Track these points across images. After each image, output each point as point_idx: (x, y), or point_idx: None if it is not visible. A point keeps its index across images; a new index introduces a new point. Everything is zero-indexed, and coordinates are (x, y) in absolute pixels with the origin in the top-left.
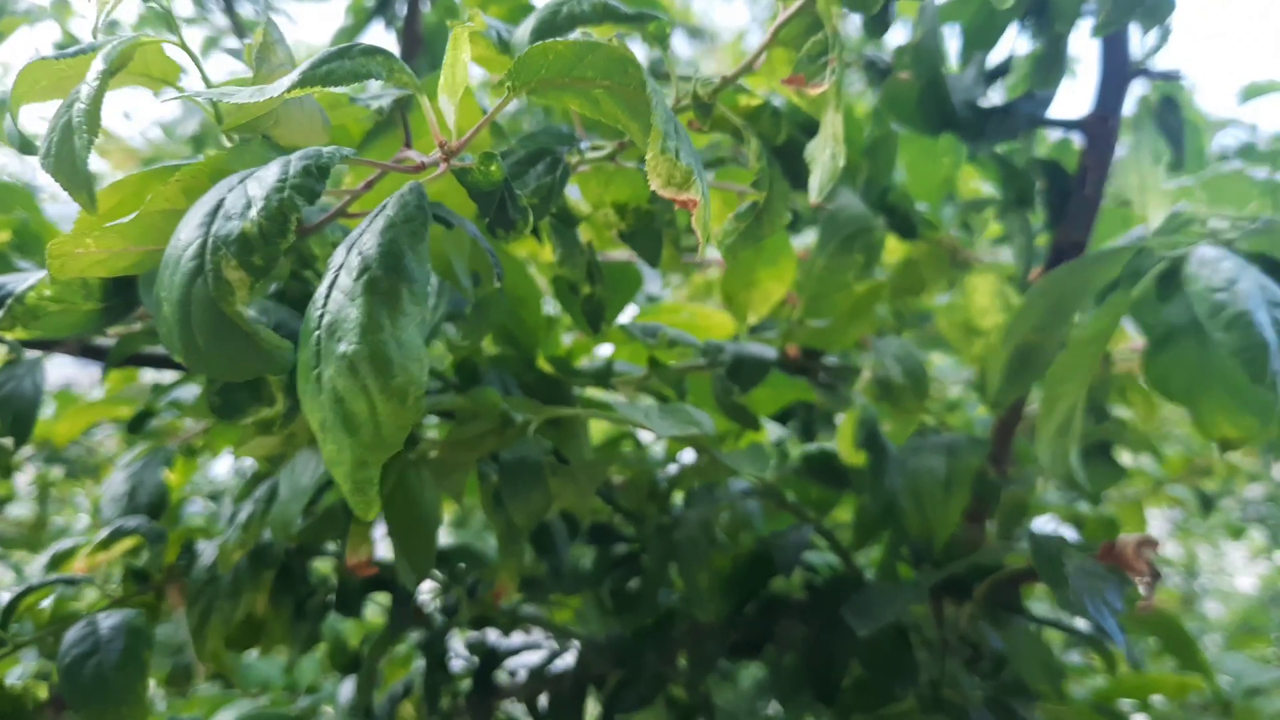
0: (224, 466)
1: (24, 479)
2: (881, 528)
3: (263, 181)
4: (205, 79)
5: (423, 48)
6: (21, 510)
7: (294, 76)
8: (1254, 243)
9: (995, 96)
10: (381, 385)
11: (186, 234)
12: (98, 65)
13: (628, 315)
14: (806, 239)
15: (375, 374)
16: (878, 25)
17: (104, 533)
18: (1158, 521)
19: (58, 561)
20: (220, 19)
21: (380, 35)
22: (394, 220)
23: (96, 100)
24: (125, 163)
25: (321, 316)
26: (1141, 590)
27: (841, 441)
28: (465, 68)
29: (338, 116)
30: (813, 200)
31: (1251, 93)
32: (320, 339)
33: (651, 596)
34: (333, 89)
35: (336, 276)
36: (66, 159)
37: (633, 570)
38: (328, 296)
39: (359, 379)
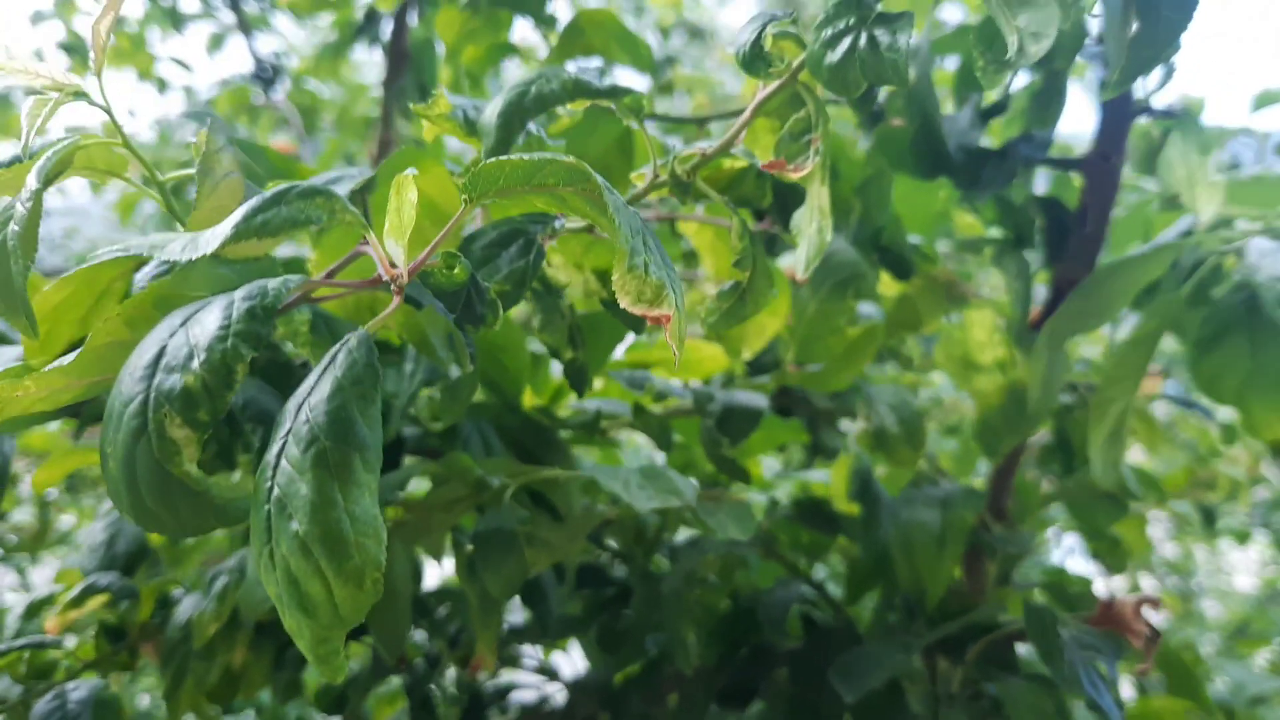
0: None
1: (25, 486)
2: (874, 581)
3: (205, 327)
4: (150, 172)
5: (409, 63)
6: (23, 516)
7: (225, 231)
8: None
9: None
10: (336, 568)
11: (128, 386)
12: (31, 182)
13: (621, 349)
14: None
15: (329, 556)
16: (864, 103)
17: (76, 590)
18: (1157, 521)
19: (34, 610)
20: (227, 15)
21: (364, 51)
22: (342, 383)
23: (31, 222)
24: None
25: (270, 490)
26: (1142, 651)
27: (835, 488)
28: (412, 210)
29: None
30: (800, 277)
31: (1264, 101)
32: (271, 514)
33: (639, 641)
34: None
35: (285, 443)
36: (4, 285)
37: (622, 610)
38: (276, 466)
39: (313, 560)
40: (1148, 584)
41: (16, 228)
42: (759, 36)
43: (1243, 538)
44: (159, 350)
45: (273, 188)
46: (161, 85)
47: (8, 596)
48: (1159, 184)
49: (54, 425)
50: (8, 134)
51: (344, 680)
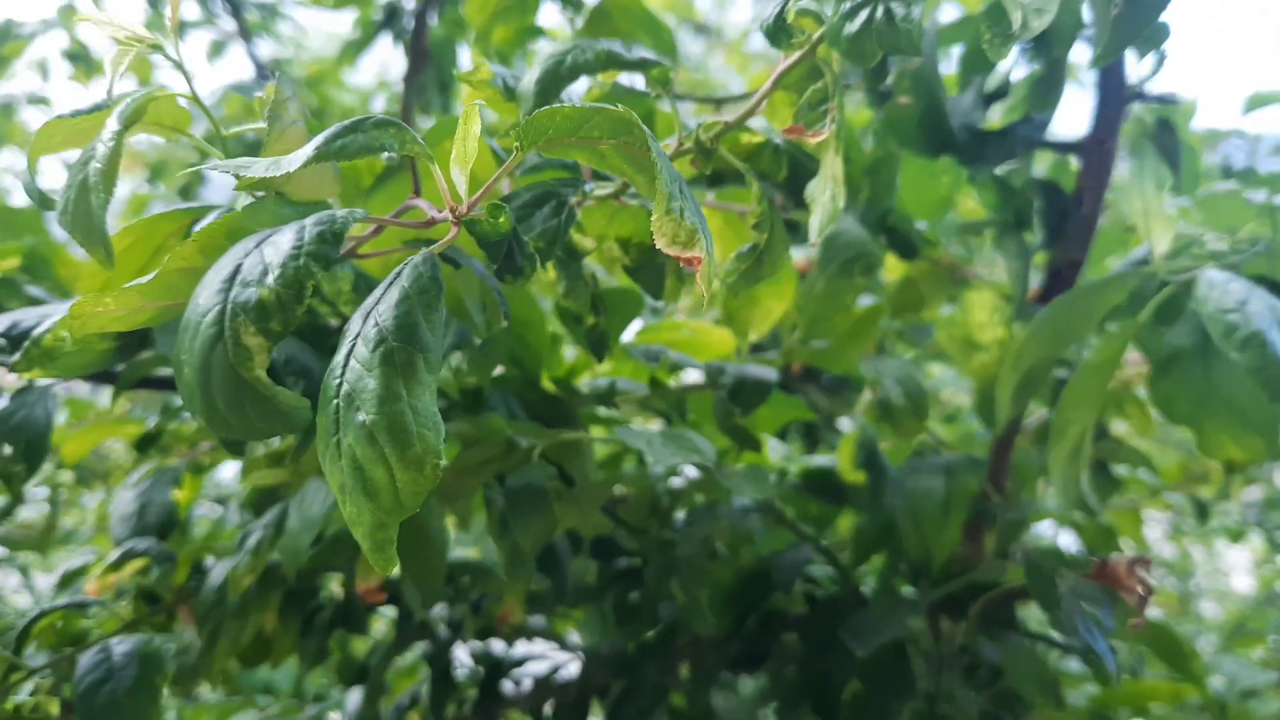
0: (231, 470)
1: (33, 482)
2: (880, 547)
3: (278, 247)
4: (216, 127)
5: (429, 61)
6: (31, 513)
7: (309, 151)
8: (1255, 265)
9: (994, 116)
10: (399, 454)
11: (205, 299)
12: (112, 124)
13: (631, 331)
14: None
15: (393, 443)
16: (877, 75)
17: (114, 554)
18: (1155, 523)
19: (67, 581)
20: (228, 22)
21: (388, 48)
22: (409, 292)
23: (113, 159)
24: (132, 166)
25: (340, 385)
26: (1135, 608)
27: (841, 459)
28: (475, 141)
29: (349, 163)
30: (812, 239)
31: (1255, 103)
32: (339, 407)
33: (653, 610)
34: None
35: (354, 346)
36: (83, 217)
37: (635, 583)
38: (345, 365)
39: (378, 448)
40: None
41: (99, 165)
42: (782, 10)
43: (1237, 535)
44: (235, 267)
45: (350, 119)
46: (178, 29)
47: (12, 598)
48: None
49: (61, 419)
50: (9, 142)
51: (368, 652)
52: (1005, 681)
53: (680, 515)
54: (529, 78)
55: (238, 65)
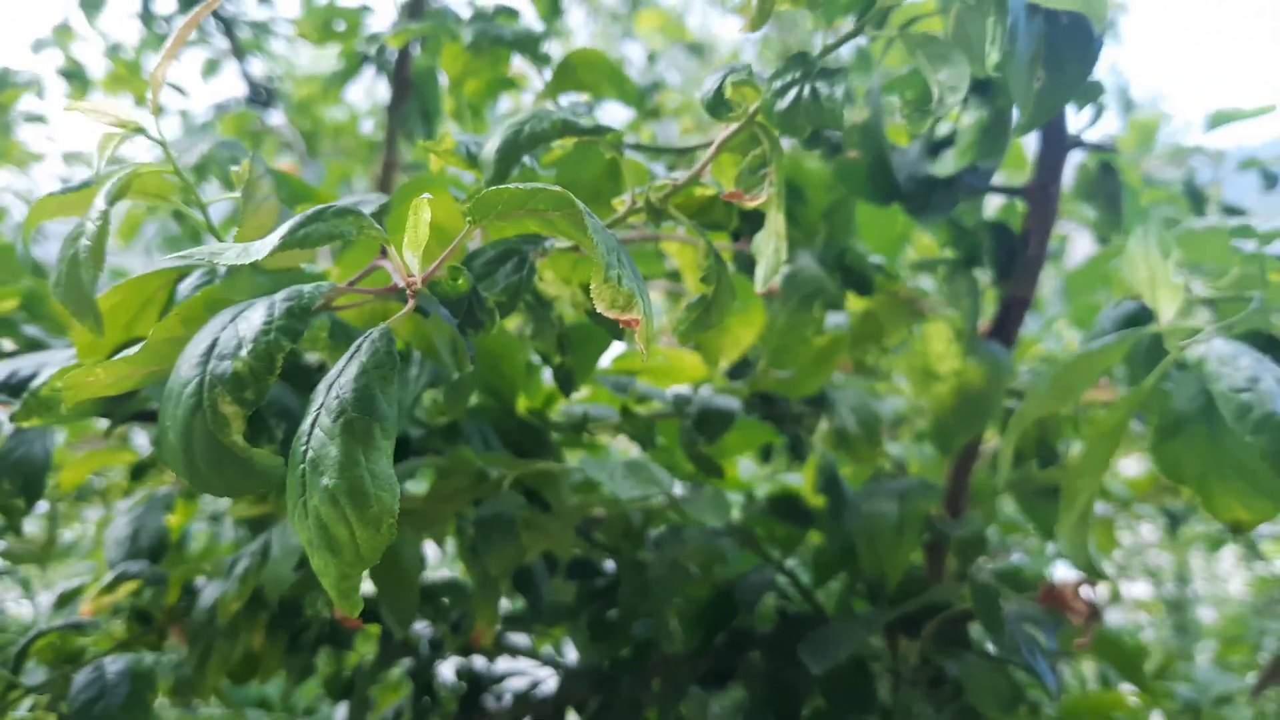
0: None
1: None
2: (839, 568)
3: (251, 323)
4: (197, 199)
5: (412, 90)
6: (31, 527)
7: (274, 241)
8: (1250, 321)
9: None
10: (359, 515)
11: (186, 371)
12: (99, 204)
13: (610, 357)
14: None
15: (353, 505)
16: (812, 141)
17: (108, 577)
18: (1147, 529)
19: (64, 601)
20: (221, 41)
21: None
22: (366, 366)
23: (100, 236)
24: None
25: (305, 451)
26: (1081, 628)
27: (806, 484)
28: (426, 227)
29: None
30: (758, 290)
31: (1218, 120)
32: (305, 472)
33: (626, 629)
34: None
35: (318, 415)
36: (74, 290)
37: (610, 602)
38: (310, 433)
39: (340, 509)
40: (1138, 590)
41: (87, 242)
42: (721, 85)
43: (1216, 544)
44: (212, 341)
45: (307, 208)
46: (158, 110)
47: (12, 609)
48: (1094, 212)
49: (60, 439)
50: (6, 160)
51: (352, 668)
52: (965, 698)
53: (654, 532)
54: (489, 146)
55: (232, 83)
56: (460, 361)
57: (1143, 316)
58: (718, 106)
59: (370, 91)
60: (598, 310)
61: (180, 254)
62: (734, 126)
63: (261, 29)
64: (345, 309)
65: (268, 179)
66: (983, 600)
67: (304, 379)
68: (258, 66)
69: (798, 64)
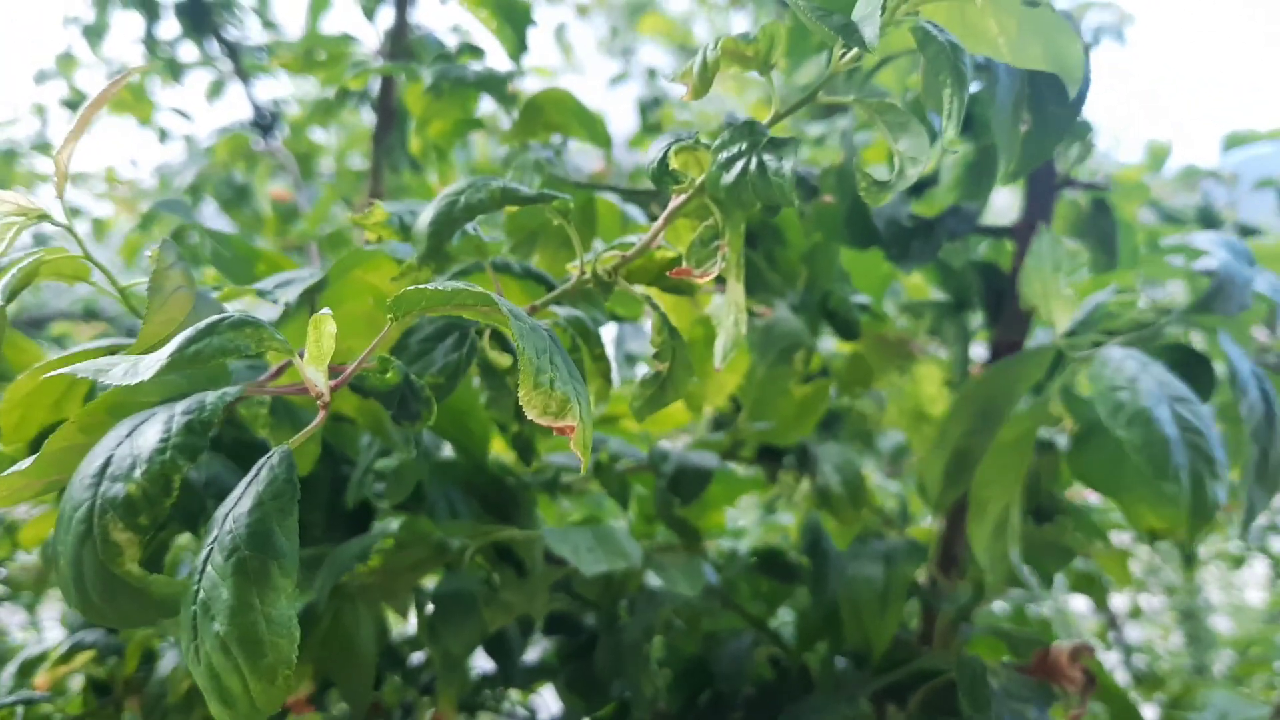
0: None
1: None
2: (824, 633)
3: (147, 439)
4: (113, 281)
5: (396, 120)
6: (29, 557)
7: (161, 359)
8: (1165, 336)
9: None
10: (252, 665)
11: (77, 493)
12: None
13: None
14: None
15: (245, 654)
16: (768, 212)
17: (64, 647)
18: (1163, 545)
19: (26, 670)
20: (225, 64)
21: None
22: (262, 497)
23: None
24: (129, 206)
25: (197, 592)
26: (1077, 698)
27: (794, 538)
28: (331, 340)
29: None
30: (717, 366)
31: (1233, 142)
32: (196, 614)
33: (605, 688)
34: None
35: (210, 551)
36: None
37: (591, 656)
38: (203, 571)
39: (231, 658)
40: (1152, 603)
41: None
42: (665, 155)
43: (1237, 562)
44: (106, 459)
45: (206, 320)
46: (162, 134)
47: (18, 635)
48: (1087, 249)
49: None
50: (11, 187)
51: None
52: None
53: (636, 586)
54: (423, 219)
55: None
56: (404, 445)
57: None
58: (662, 177)
59: (368, 119)
60: (529, 418)
61: (71, 366)
62: (681, 199)
63: (265, 52)
64: (284, 392)
65: (179, 267)
66: (969, 678)
67: (249, 455)
68: (262, 89)
69: (745, 133)
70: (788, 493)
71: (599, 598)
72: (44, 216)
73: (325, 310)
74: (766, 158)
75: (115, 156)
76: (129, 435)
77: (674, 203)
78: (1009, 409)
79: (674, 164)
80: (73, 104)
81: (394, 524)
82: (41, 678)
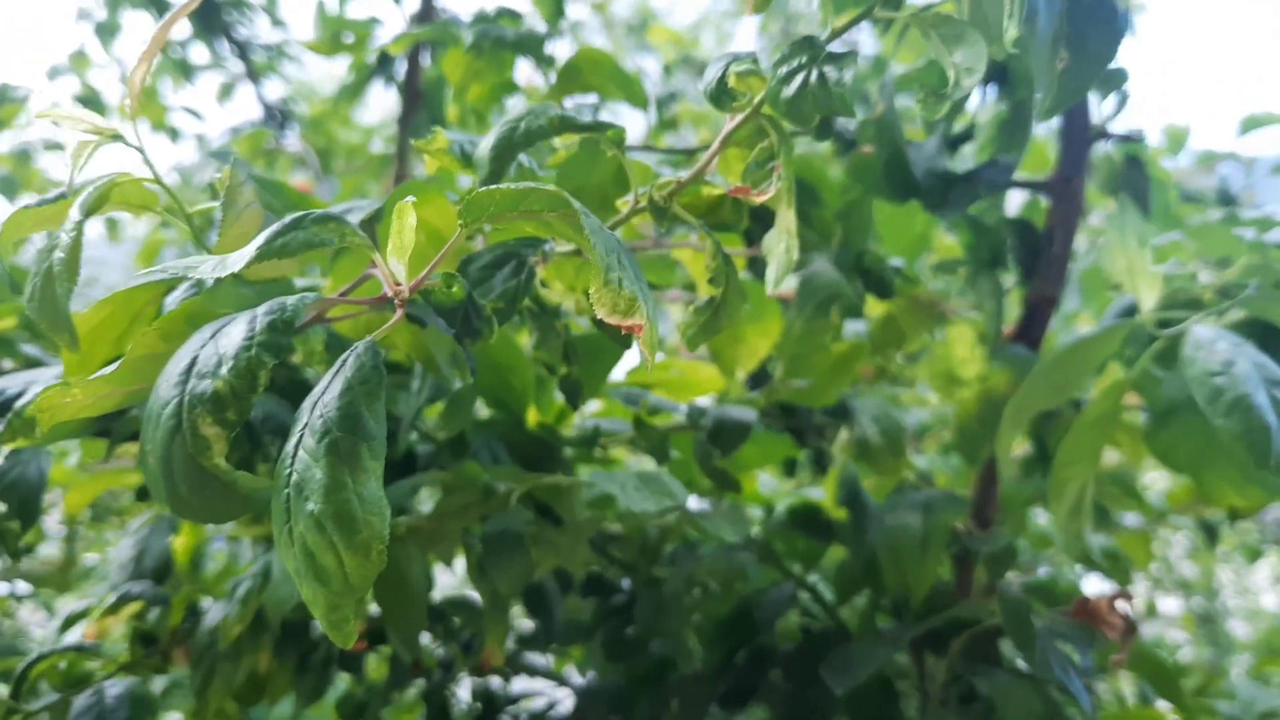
0: None
1: (53, 520)
2: (863, 584)
3: (231, 339)
4: (180, 206)
5: (423, 101)
6: (51, 549)
7: (251, 252)
8: (1250, 307)
9: (967, 154)
10: (347, 541)
11: (164, 391)
12: (74, 215)
13: (623, 370)
14: None
15: (340, 531)
16: (822, 132)
17: (111, 598)
18: (1178, 541)
19: (69, 623)
20: (236, 65)
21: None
22: (351, 382)
23: (74, 248)
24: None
25: (289, 475)
26: (1118, 643)
27: (827, 496)
28: (411, 233)
29: None
30: (769, 292)
31: (1251, 125)
32: (290, 497)
33: (643, 648)
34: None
35: (301, 436)
36: (49, 305)
37: (627, 620)
38: (294, 455)
39: (326, 535)
40: (1170, 605)
41: (61, 255)
42: (724, 74)
43: (1254, 555)
44: (191, 359)
45: (291, 215)
46: (174, 134)
47: (36, 632)
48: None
49: (73, 460)
50: (27, 188)
51: (363, 690)
52: (998, 716)
53: (671, 549)
54: (484, 145)
55: (249, 105)
56: (461, 372)
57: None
58: (721, 96)
59: (388, 106)
60: (598, 315)
61: (158, 267)
62: (738, 118)
63: (275, 52)
64: (339, 320)
65: (249, 185)
66: (1013, 616)
67: (302, 394)
68: (272, 89)
69: (804, 48)
70: (823, 454)
71: (634, 560)
72: (117, 136)
73: (409, 197)
74: (827, 69)
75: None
76: (212, 337)
77: (730, 123)
78: (1083, 382)
79: (732, 83)
80: (86, 102)
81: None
82: (89, 627)
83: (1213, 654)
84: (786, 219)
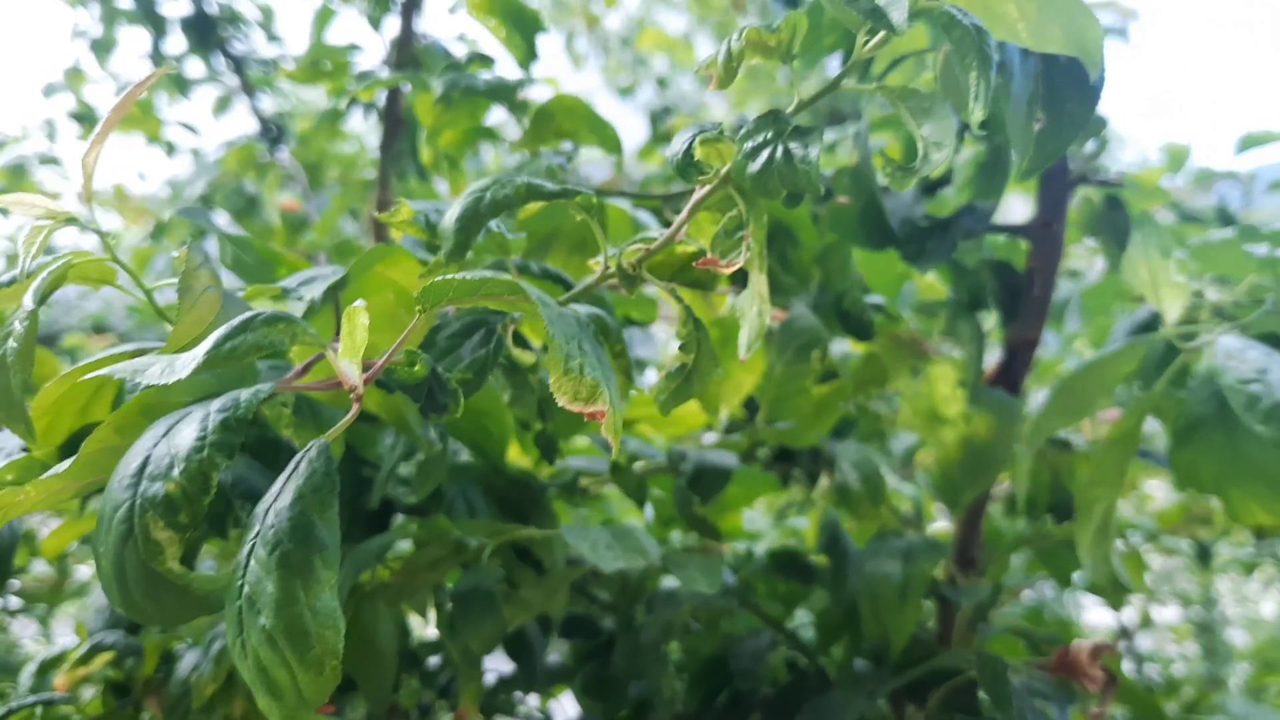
0: None
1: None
2: (843, 631)
3: (184, 437)
4: (139, 283)
5: (403, 128)
6: (43, 567)
7: (198, 356)
8: (1264, 323)
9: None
10: (300, 658)
11: (116, 493)
12: (27, 303)
13: None
14: None
15: (293, 648)
16: (792, 201)
17: (83, 648)
18: (1175, 555)
19: (44, 669)
20: (231, 79)
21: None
22: (303, 491)
23: (28, 338)
24: (138, 219)
25: (241, 587)
26: (1098, 697)
27: (809, 539)
28: (363, 333)
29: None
30: (742, 357)
31: (1249, 143)
32: (242, 609)
33: (623, 690)
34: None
35: (253, 545)
36: (4, 395)
37: (608, 658)
38: (246, 565)
39: (279, 651)
40: (1167, 615)
41: (14, 344)
42: (689, 146)
43: (1249, 569)
44: (144, 459)
45: (240, 316)
46: (170, 148)
47: (29, 646)
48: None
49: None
50: None
51: None
52: None
53: (654, 587)
54: (449, 216)
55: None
56: (427, 446)
57: (1155, 323)
58: (687, 168)
59: (371, 125)
60: (560, 404)
61: (108, 368)
62: (705, 190)
63: (271, 66)
64: (311, 389)
65: (207, 267)
66: (990, 675)
67: (273, 454)
68: (268, 103)
69: (769, 123)
70: (802, 496)
71: (616, 600)
72: (72, 220)
73: (359, 302)
74: (792, 145)
75: (121, 172)
76: (165, 435)
77: (698, 194)
78: (1102, 400)
79: (698, 155)
80: (81, 118)
81: (412, 525)
82: (60, 679)
83: (1208, 666)
84: (758, 283)
